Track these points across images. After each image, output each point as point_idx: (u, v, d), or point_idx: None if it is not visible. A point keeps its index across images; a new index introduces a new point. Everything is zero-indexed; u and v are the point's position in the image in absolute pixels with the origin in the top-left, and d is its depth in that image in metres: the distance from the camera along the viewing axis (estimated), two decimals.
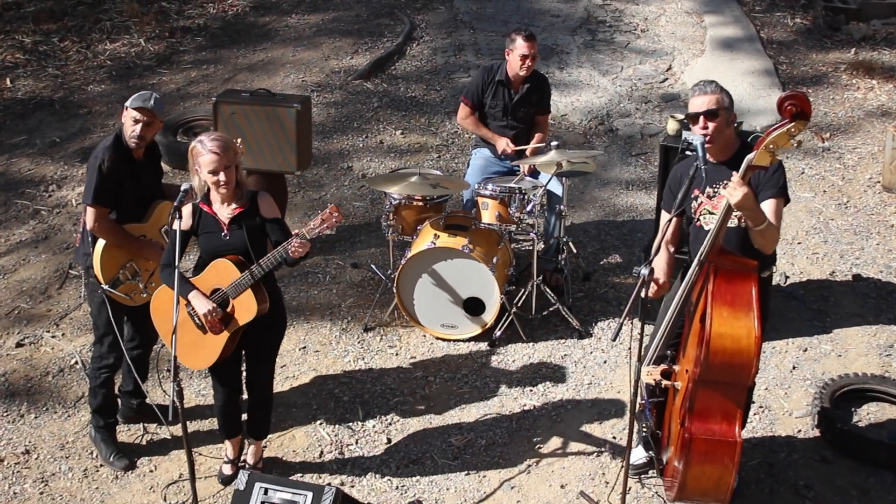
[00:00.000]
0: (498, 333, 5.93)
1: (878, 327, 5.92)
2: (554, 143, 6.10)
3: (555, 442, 5.16)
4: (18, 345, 6.05)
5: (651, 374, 4.21)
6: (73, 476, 5.05)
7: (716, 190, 4.22)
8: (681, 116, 5.86)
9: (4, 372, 5.82)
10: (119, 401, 5.24)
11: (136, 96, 4.69)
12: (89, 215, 4.69)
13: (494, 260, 5.84)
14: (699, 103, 4.19)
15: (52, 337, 6.11)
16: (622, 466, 4.33)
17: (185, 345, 4.56)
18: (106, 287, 4.77)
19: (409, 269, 5.90)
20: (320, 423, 5.36)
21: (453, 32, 10.19)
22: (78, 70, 9.73)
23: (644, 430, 4.50)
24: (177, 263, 4.20)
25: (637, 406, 4.21)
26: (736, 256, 4.05)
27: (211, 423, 5.16)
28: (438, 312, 5.95)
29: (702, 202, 4.27)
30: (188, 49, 10.14)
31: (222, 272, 4.48)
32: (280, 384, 5.64)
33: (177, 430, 4.71)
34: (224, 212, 4.50)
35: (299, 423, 5.36)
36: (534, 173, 6.32)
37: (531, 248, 6.13)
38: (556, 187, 6.18)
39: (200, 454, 5.09)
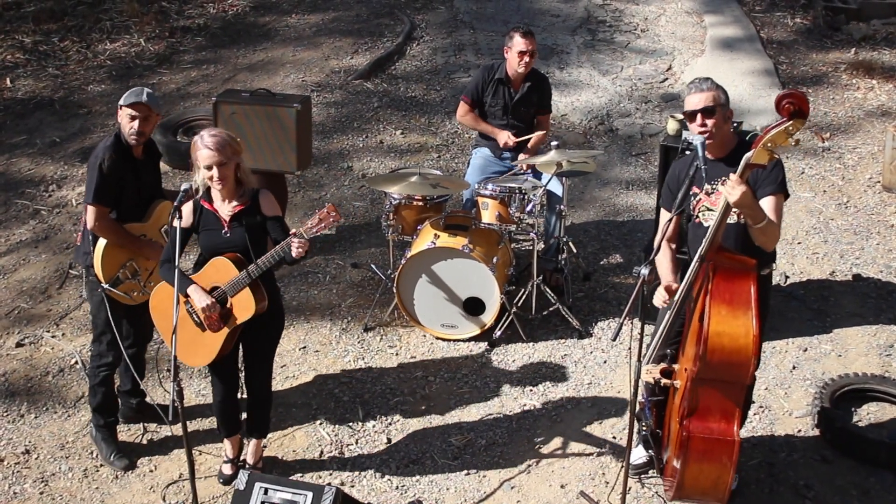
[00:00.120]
0: (498, 333, 5.93)
1: (878, 327, 5.92)
2: (554, 143, 6.10)
3: (555, 442, 5.16)
4: (18, 345, 6.06)
5: (650, 372, 4.21)
6: (73, 476, 5.05)
7: (714, 186, 4.22)
8: (681, 116, 5.85)
9: (4, 372, 5.82)
10: (119, 400, 5.24)
11: (128, 94, 4.70)
12: (90, 214, 4.70)
13: (494, 260, 5.84)
14: (695, 101, 4.19)
15: (52, 337, 6.11)
16: (622, 466, 4.34)
17: (183, 342, 4.56)
18: (106, 286, 4.77)
19: (409, 269, 5.90)
20: (320, 423, 5.36)
21: (453, 32, 10.20)
22: (78, 70, 9.73)
23: (644, 429, 4.50)
24: (177, 263, 4.20)
25: (637, 405, 4.21)
26: (735, 255, 4.04)
27: (211, 423, 5.16)
28: (438, 312, 5.95)
29: (700, 199, 4.27)
30: (188, 49, 10.14)
31: (221, 270, 4.48)
32: (280, 384, 5.64)
33: (177, 429, 4.71)
34: (225, 209, 4.50)
35: (299, 423, 5.36)
36: (535, 174, 6.32)
37: (531, 247, 6.13)
38: (556, 187, 6.19)
39: (200, 454, 5.09)
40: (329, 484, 4.54)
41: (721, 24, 10.08)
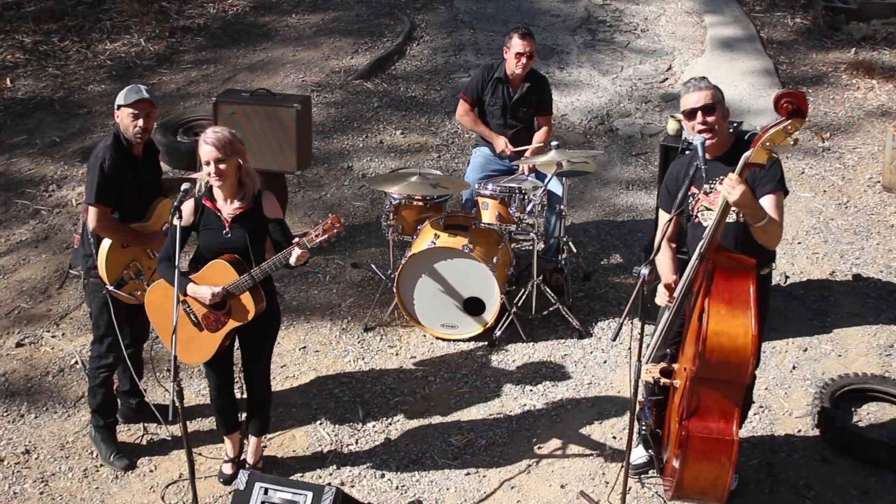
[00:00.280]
0: (498, 333, 5.93)
1: (878, 327, 5.92)
2: (554, 143, 6.10)
3: (555, 442, 5.16)
4: (18, 345, 6.06)
5: (650, 372, 4.21)
6: (73, 476, 5.05)
7: (712, 186, 4.22)
8: (681, 116, 5.86)
9: (4, 372, 5.82)
10: (118, 400, 5.24)
11: (126, 93, 4.68)
12: (92, 215, 4.69)
13: (494, 260, 5.84)
14: (695, 99, 4.18)
15: (52, 337, 6.11)
16: (622, 466, 4.33)
17: (180, 341, 4.54)
18: (111, 288, 4.77)
19: (409, 269, 5.90)
20: (320, 423, 5.36)
21: (453, 32, 10.20)
22: (78, 70, 9.73)
23: (644, 428, 4.50)
24: (176, 263, 4.20)
25: (637, 405, 4.21)
26: (734, 254, 4.04)
27: (211, 423, 5.16)
28: (438, 312, 5.95)
29: (699, 199, 4.27)
30: (188, 49, 10.14)
31: (220, 273, 4.48)
32: (280, 384, 5.64)
33: (177, 429, 4.72)
34: (227, 209, 4.50)
35: (299, 423, 5.36)
36: (537, 175, 6.31)
37: (531, 247, 6.13)
38: (557, 187, 6.19)
39: (200, 454, 5.09)
40: (329, 484, 4.54)
41: (721, 24, 10.08)
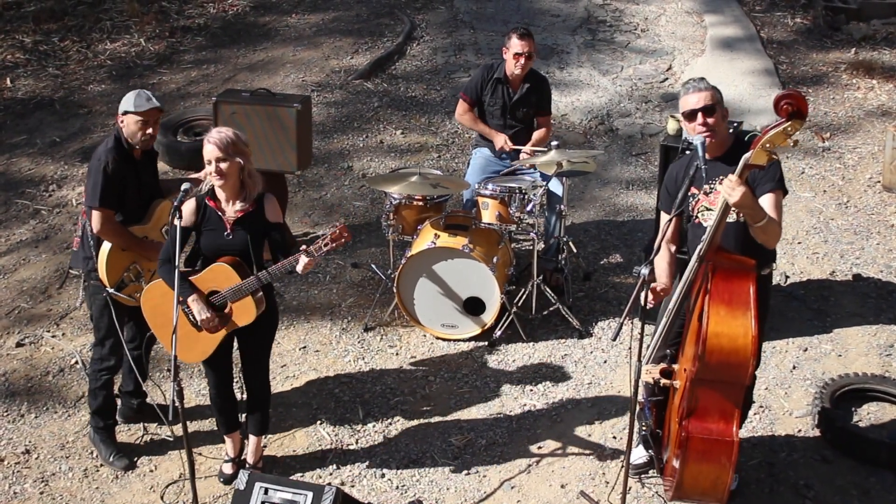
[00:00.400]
0: (498, 333, 5.94)
1: (878, 327, 5.92)
2: (554, 143, 6.10)
3: (555, 442, 5.16)
4: (19, 344, 6.06)
5: (650, 372, 4.21)
6: (73, 476, 5.06)
7: (712, 186, 4.22)
8: (681, 116, 5.86)
9: (4, 372, 5.83)
10: (119, 401, 5.24)
11: (135, 99, 4.66)
12: (95, 219, 4.68)
13: (494, 260, 5.84)
14: (695, 100, 4.18)
15: (53, 337, 6.11)
16: (622, 466, 4.34)
17: (178, 338, 4.54)
18: (111, 290, 4.77)
19: (409, 269, 5.90)
20: (320, 423, 5.36)
21: (453, 32, 10.20)
22: (78, 70, 9.73)
23: (644, 429, 4.50)
24: (176, 263, 4.20)
25: (637, 405, 4.21)
26: (734, 255, 4.04)
27: (211, 423, 5.17)
28: (438, 312, 5.95)
29: (699, 199, 4.27)
30: (188, 49, 10.14)
31: (221, 276, 4.48)
32: (280, 384, 5.64)
33: (177, 429, 4.72)
34: (229, 210, 4.50)
35: (299, 423, 5.36)
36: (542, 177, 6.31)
37: (531, 247, 6.12)
38: (557, 187, 6.19)
39: (200, 454, 5.09)
40: (329, 484, 4.54)
41: (721, 24, 10.07)
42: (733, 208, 3.93)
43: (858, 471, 4.84)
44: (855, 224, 7.00)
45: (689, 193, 4.23)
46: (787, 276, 6.40)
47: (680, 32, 10.07)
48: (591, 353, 5.86)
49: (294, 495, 4.21)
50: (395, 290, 5.95)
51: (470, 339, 5.97)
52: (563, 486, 4.86)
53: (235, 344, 4.79)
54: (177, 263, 4.20)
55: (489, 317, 5.92)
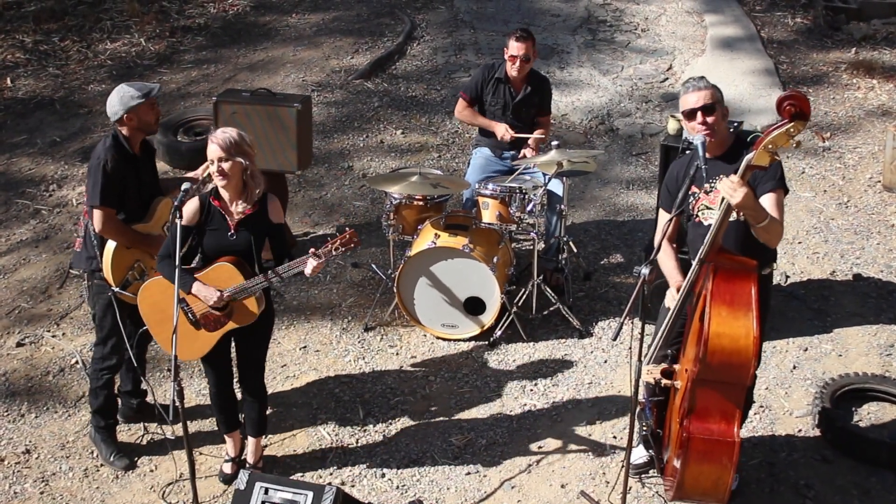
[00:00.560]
0: (498, 333, 5.94)
1: (878, 327, 5.92)
2: (554, 143, 6.10)
3: (555, 441, 5.17)
4: (19, 344, 6.06)
5: (651, 372, 4.21)
6: (73, 476, 5.06)
7: (712, 185, 4.22)
8: (681, 116, 5.87)
9: (5, 371, 5.83)
10: (119, 400, 5.24)
11: (135, 91, 4.72)
12: (97, 218, 4.68)
13: (495, 259, 5.84)
14: (694, 99, 4.18)
15: (53, 336, 6.11)
16: (622, 466, 4.34)
17: (178, 339, 4.54)
18: (117, 289, 4.77)
19: (409, 269, 5.90)
20: (321, 423, 5.36)
21: (454, 32, 10.19)
22: (78, 69, 9.73)
23: (644, 429, 4.50)
24: (177, 263, 4.20)
25: (637, 405, 4.21)
26: (735, 256, 4.04)
27: (211, 423, 5.17)
28: (439, 312, 5.95)
29: (699, 198, 4.27)
30: (189, 48, 10.14)
31: (224, 275, 4.48)
32: (280, 384, 5.64)
33: (177, 429, 4.72)
34: (233, 210, 4.50)
35: (300, 423, 5.36)
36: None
37: (531, 247, 6.12)
38: (557, 187, 6.18)
39: (201, 453, 5.09)
40: (329, 483, 4.54)
41: (721, 24, 10.07)
42: (735, 209, 3.92)
43: (859, 471, 4.84)
44: (855, 224, 7.00)
45: (690, 192, 4.24)
46: (787, 276, 6.40)
47: (680, 32, 10.07)
48: (592, 352, 5.86)
49: (294, 495, 4.21)
50: (395, 290, 5.95)
51: (470, 339, 5.98)
52: (563, 486, 4.86)
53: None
54: (177, 262, 4.20)
55: (489, 317, 5.92)
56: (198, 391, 5.59)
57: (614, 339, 5.14)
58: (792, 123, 3.72)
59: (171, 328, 4.19)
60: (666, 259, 4.28)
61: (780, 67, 9.26)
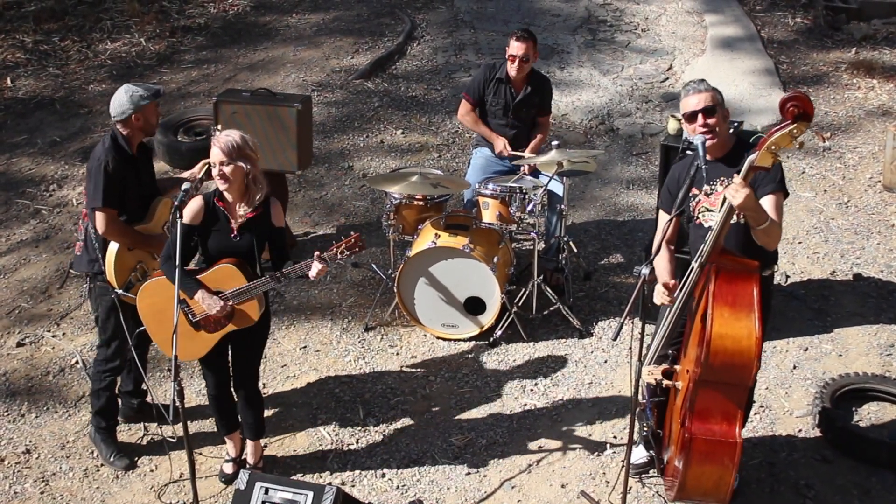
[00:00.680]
0: (498, 333, 5.93)
1: (878, 327, 5.92)
2: (555, 143, 6.10)
3: (555, 441, 5.16)
4: (19, 344, 6.06)
5: (652, 373, 4.21)
6: (73, 475, 5.06)
7: (713, 187, 4.22)
8: (681, 116, 5.87)
9: (5, 371, 5.83)
10: (119, 401, 5.24)
11: (143, 91, 4.75)
12: (100, 220, 4.67)
13: (495, 259, 5.84)
14: (695, 101, 4.18)
15: (53, 336, 6.11)
16: (622, 466, 4.33)
17: (177, 340, 4.54)
18: (120, 291, 4.77)
19: (409, 269, 5.90)
20: (321, 423, 5.36)
21: (454, 32, 10.19)
22: (78, 69, 9.73)
23: (645, 429, 4.50)
24: (178, 263, 4.21)
25: (638, 406, 4.21)
26: (737, 257, 4.04)
27: (212, 424, 5.16)
28: (439, 312, 5.95)
29: (700, 200, 4.27)
30: (189, 48, 10.14)
31: (226, 276, 4.48)
32: (280, 384, 5.64)
33: (177, 429, 4.72)
34: (237, 213, 4.50)
35: (300, 423, 5.36)
36: (534, 173, 6.32)
37: (532, 247, 6.12)
38: (557, 187, 6.18)
39: (201, 453, 5.09)
40: (330, 483, 4.54)
41: (722, 24, 10.07)
42: (736, 210, 3.92)
43: (859, 470, 4.84)
44: (855, 224, 7.00)
45: (690, 194, 4.24)
46: (787, 276, 6.40)
47: (680, 32, 10.07)
48: (592, 352, 5.86)
49: (294, 495, 4.21)
50: (395, 290, 5.95)
51: (470, 339, 5.97)
52: (563, 486, 4.86)
53: None
54: (178, 263, 4.20)
55: (490, 316, 5.92)
56: (198, 391, 5.58)
57: (614, 339, 5.14)
58: (795, 124, 3.71)
59: (169, 328, 4.19)
60: (660, 260, 4.27)
61: (780, 67, 9.26)
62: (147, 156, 4.98)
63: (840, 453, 4.94)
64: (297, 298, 6.42)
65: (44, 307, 6.39)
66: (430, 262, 5.86)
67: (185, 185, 4.45)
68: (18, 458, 5.17)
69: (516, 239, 6.82)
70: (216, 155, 4.37)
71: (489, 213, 5.96)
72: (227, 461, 4.97)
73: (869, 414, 5.23)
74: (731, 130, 4.50)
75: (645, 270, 3.93)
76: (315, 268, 4.38)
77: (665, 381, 4.19)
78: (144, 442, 5.24)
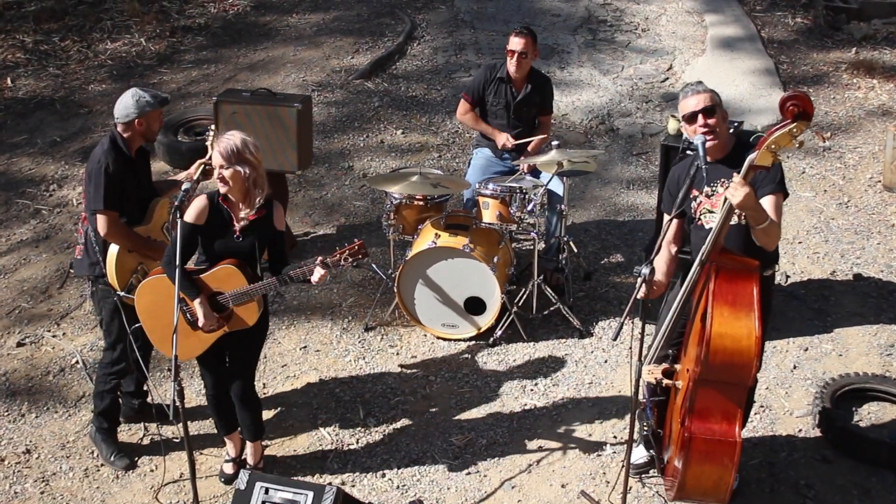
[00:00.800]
0: (499, 333, 5.93)
1: (878, 327, 5.92)
2: (555, 143, 6.10)
3: (555, 441, 5.16)
4: (19, 344, 6.06)
5: (652, 372, 4.21)
6: (73, 475, 5.06)
7: (714, 188, 4.22)
8: (682, 121, 5.86)
9: (5, 371, 5.83)
10: (120, 401, 5.24)
11: (149, 97, 4.72)
12: (101, 222, 4.67)
13: (495, 259, 5.84)
14: (694, 102, 4.18)
15: (53, 336, 6.11)
16: (622, 466, 4.33)
17: (168, 335, 4.51)
18: (122, 293, 4.77)
19: (409, 269, 5.90)
20: (321, 423, 5.36)
21: (454, 32, 10.19)
22: (79, 69, 9.73)
23: (645, 428, 4.50)
24: (178, 262, 4.21)
25: (638, 405, 4.21)
26: (737, 256, 4.04)
27: (212, 424, 5.16)
28: (439, 312, 5.95)
29: (701, 202, 4.27)
30: (189, 48, 10.14)
31: (226, 278, 4.48)
32: (280, 384, 5.64)
33: (177, 429, 4.71)
34: (240, 214, 4.50)
35: (300, 423, 5.36)
36: (534, 173, 6.32)
37: (532, 247, 6.12)
38: (557, 186, 6.18)
39: (201, 454, 5.09)
40: (330, 483, 4.54)
41: (722, 24, 10.07)
42: (736, 209, 3.92)
43: (859, 470, 4.84)
44: (855, 224, 7.00)
45: (691, 195, 4.24)
46: (787, 276, 6.40)
47: (680, 32, 10.07)
48: (592, 352, 5.86)
49: (295, 495, 4.21)
50: (395, 290, 5.95)
51: (470, 339, 5.98)
52: (563, 486, 4.86)
53: None
54: (178, 263, 4.20)
55: (490, 316, 5.92)
56: (198, 391, 5.58)
57: (614, 339, 5.14)
58: (795, 124, 3.72)
59: (165, 326, 4.19)
60: (658, 260, 4.27)
61: (780, 67, 9.26)
62: (145, 158, 4.98)
63: (840, 453, 4.94)
64: (297, 298, 6.42)
65: (44, 307, 6.39)
66: (430, 262, 5.86)
67: (185, 186, 4.46)
68: (18, 458, 5.17)
69: (516, 239, 6.82)
70: (216, 158, 4.38)
71: (489, 213, 5.96)
72: (227, 461, 4.97)
73: (869, 414, 5.23)
74: (731, 131, 4.50)
75: (645, 270, 3.93)
76: (317, 273, 4.40)
77: (665, 381, 4.19)
78: (144, 442, 5.24)
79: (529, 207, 5.90)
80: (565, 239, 6.30)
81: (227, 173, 4.37)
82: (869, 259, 6.58)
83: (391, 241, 6.18)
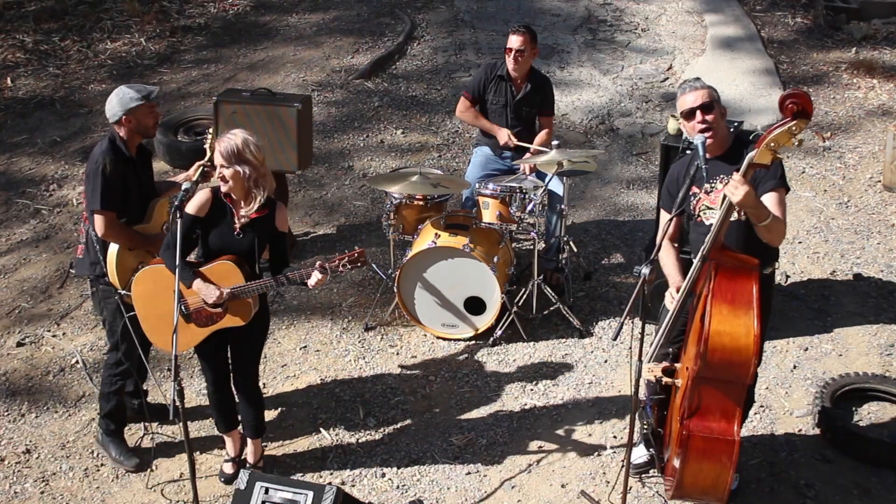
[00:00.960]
0: (499, 333, 5.93)
1: (878, 326, 5.92)
2: (555, 143, 6.10)
3: (555, 441, 5.16)
4: (19, 344, 6.06)
5: (652, 371, 4.21)
6: (73, 475, 5.06)
7: (713, 185, 4.22)
8: (681, 118, 5.86)
9: (5, 371, 5.83)
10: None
11: (131, 95, 4.68)
12: (98, 222, 4.67)
13: (495, 259, 5.84)
14: (692, 99, 4.19)
15: (53, 336, 6.11)
16: (622, 466, 4.33)
17: (159, 323, 4.52)
18: (124, 292, 4.77)
19: (409, 269, 5.90)
20: (321, 423, 5.36)
21: (454, 32, 10.20)
22: (79, 69, 9.73)
23: (645, 427, 4.50)
24: (178, 262, 4.20)
25: (638, 405, 4.21)
26: (737, 254, 4.04)
27: (212, 424, 5.16)
28: (439, 312, 5.95)
29: (700, 199, 4.27)
30: (189, 48, 10.14)
31: (223, 274, 4.48)
32: (280, 384, 5.64)
33: (177, 429, 4.72)
34: (242, 211, 4.51)
35: (300, 422, 5.36)
36: (538, 174, 6.31)
37: (532, 247, 6.12)
38: (557, 186, 6.18)
39: (201, 453, 5.09)
40: (330, 483, 4.55)
41: (722, 24, 10.07)
42: (736, 207, 3.92)
43: (859, 470, 4.84)
44: (855, 223, 7.00)
45: (691, 193, 4.24)
46: (787, 276, 6.40)
47: (680, 32, 10.07)
48: (592, 352, 5.86)
49: (295, 495, 4.21)
50: (395, 290, 5.95)
51: (470, 339, 5.98)
52: (563, 486, 4.86)
53: None
54: (178, 262, 4.20)
55: (490, 316, 5.92)
56: (198, 391, 5.58)
57: (614, 339, 5.12)
58: (794, 122, 3.71)
59: (159, 316, 4.17)
60: (667, 259, 4.28)
61: (780, 67, 9.26)
62: (146, 157, 4.97)
63: (840, 453, 4.94)
64: (297, 298, 6.42)
65: (44, 307, 6.39)
66: (430, 262, 5.86)
67: (184, 186, 4.46)
68: (18, 458, 5.17)
69: (516, 239, 6.82)
70: (216, 158, 4.40)
71: (489, 213, 5.96)
72: (227, 461, 4.97)
73: (869, 414, 5.23)
74: (731, 130, 4.50)
75: (645, 270, 3.93)
76: (315, 277, 4.40)
77: (665, 379, 4.19)
78: (145, 442, 5.24)
79: (529, 207, 5.90)
80: (565, 239, 6.30)
81: (227, 173, 4.38)
82: (869, 259, 6.58)
83: (391, 241, 6.18)
